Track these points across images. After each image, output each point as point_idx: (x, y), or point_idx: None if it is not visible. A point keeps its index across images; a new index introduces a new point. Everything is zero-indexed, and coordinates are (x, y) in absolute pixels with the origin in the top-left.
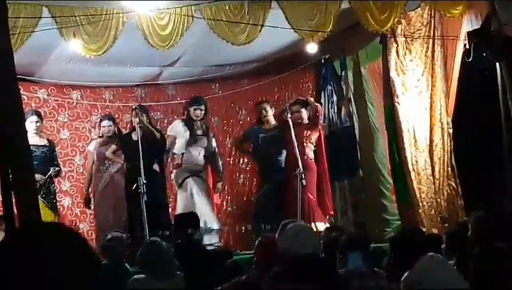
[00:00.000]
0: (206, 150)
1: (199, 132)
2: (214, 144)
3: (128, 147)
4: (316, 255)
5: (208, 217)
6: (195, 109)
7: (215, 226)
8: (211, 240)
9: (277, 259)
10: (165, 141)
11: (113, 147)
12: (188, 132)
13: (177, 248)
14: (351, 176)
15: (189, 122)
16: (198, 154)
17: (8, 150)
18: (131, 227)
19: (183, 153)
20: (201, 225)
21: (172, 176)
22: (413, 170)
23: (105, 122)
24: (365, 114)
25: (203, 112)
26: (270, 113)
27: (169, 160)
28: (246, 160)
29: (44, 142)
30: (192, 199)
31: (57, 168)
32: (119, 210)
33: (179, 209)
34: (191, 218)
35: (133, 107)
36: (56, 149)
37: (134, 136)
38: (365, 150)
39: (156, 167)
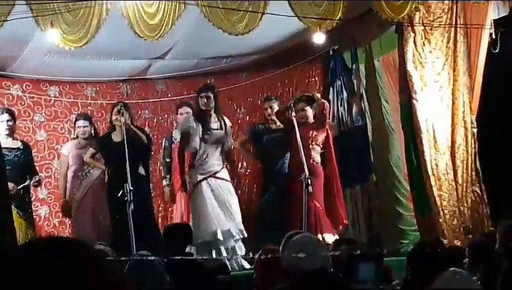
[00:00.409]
0: (224, 146)
1: (214, 126)
2: (230, 140)
3: (108, 150)
4: (324, 271)
5: (226, 227)
6: (201, 97)
7: (237, 235)
8: (233, 252)
9: (280, 275)
10: (151, 142)
11: (91, 150)
12: (199, 126)
13: (169, 263)
14: (363, 181)
15: (199, 115)
16: (214, 151)
17: None
18: (116, 239)
19: (196, 152)
20: (219, 236)
21: (188, 178)
22: (433, 174)
23: (80, 122)
24: (379, 112)
25: (211, 99)
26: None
27: (159, 163)
28: (245, 164)
29: (17, 144)
30: (207, 206)
31: (36, 178)
32: (101, 221)
33: (194, 219)
34: (183, 229)
35: (115, 104)
36: (32, 153)
37: (114, 138)
38: (379, 152)
39: (141, 171)
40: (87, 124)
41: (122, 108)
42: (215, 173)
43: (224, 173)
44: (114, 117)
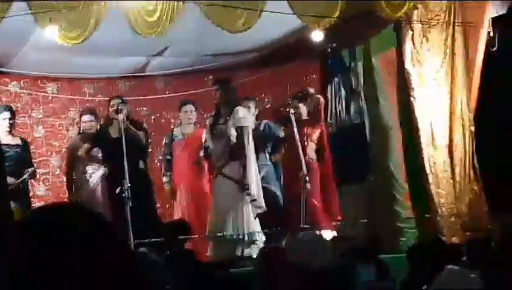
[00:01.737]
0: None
1: (221, 120)
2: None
3: (105, 146)
4: (330, 268)
5: (234, 226)
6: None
7: (245, 236)
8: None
9: (284, 272)
10: (148, 138)
11: (87, 145)
12: (208, 120)
13: (167, 260)
14: (361, 179)
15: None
16: (222, 146)
17: None
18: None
19: (207, 148)
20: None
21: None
22: (431, 172)
23: (86, 117)
24: (377, 110)
25: (218, 93)
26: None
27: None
28: None
29: (17, 141)
30: (218, 204)
31: (30, 169)
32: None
33: (212, 218)
34: (182, 226)
35: (111, 98)
36: (30, 149)
37: (112, 133)
38: (376, 150)
39: (142, 166)
40: (92, 119)
41: (120, 105)
42: (221, 168)
43: (231, 170)
44: (111, 111)
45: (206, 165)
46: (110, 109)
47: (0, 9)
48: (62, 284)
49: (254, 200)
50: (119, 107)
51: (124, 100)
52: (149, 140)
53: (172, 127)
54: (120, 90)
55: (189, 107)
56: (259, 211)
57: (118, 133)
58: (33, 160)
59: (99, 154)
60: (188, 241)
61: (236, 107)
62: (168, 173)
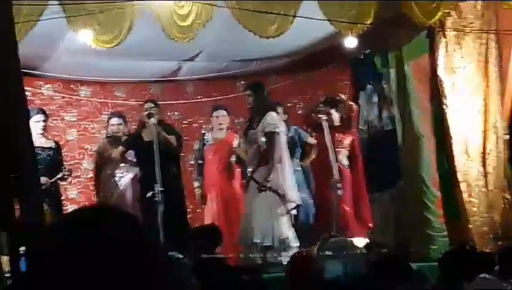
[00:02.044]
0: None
1: (253, 125)
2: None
3: (138, 149)
4: (360, 275)
5: (265, 232)
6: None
7: (277, 242)
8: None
9: (314, 278)
10: (181, 142)
11: (121, 148)
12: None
13: (197, 265)
14: (392, 186)
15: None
16: (254, 151)
17: (11, 153)
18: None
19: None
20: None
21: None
22: (464, 180)
23: (114, 120)
24: (409, 117)
25: (251, 98)
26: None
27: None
28: None
29: (50, 144)
30: (250, 209)
31: (65, 171)
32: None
33: (244, 223)
34: (211, 231)
35: (145, 101)
36: (62, 152)
37: (145, 137)
38: (408, 157)
39: (173, 170)
40: (121, 122)
41: (152, 109)
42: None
43: (260, 175)
44: (144, 114)
45: (237, 170)
46: (144, 113)
47: (34, 12)
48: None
49: (299, 205)
50: (151, 111)
51: (157, 104)
52: (181, 144)
53: (203, 132)
54: (152, 94)
55: (221, 112)
56: (294, 212)
57: (150, 137)
58: (65, 163)
59: (130, 158)
60: (218, 246)
61: (268, 112)
62: (199, 178)
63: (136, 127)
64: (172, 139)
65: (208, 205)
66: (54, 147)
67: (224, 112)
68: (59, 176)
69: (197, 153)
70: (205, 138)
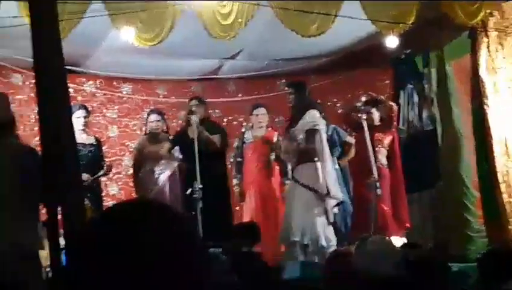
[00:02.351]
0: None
1: (294, 124)
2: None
3: (185, 146)
4: (401, 277)
5: (305, 230)
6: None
7: (316, 241)
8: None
9: (353, 278)
10: (226, 140)
11: (168, 145)
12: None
13: (236, 262)
14: (431, 186)
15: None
16: (294, 150)
17: (53, 148)
18: None
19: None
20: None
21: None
22: (504, 181)
23: (152, 117)
24: (449, 117)
25: (292, 96)
26: None
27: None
28: None
29: (91, 140)
30: (290, 208)
31: (106, 167)
32: None
33: (284, 221)
34: (250, 229)
35: (190, 98)
36: (103, 148)
37: (190, 134)
38: (447, 157)
39: (219, 169)
40: (159, 119)
41: (195, 106)
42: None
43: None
44: (188, 113)
45: (277, 168)
46: (188, 109)
47: (78, 10)
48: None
49: (341, 202)
50: (193, 109)
51: (203, 101)
52: (227, 143)
53: (243, 130)
54: (193, 92)
55: (261, 111)
56: (336, 210)
57: (193, 135)
58: (106, 159)
59: (176, 154)
60: (257, 244)
61: (309, 110)
62: (239, 176)
63: (181, 124)
64: (215, 138)
65: (246, 202)
66: (94, 143)
67: (264, 110)
68: (101, 173)
69: (237, 151)
70: (245, 136)
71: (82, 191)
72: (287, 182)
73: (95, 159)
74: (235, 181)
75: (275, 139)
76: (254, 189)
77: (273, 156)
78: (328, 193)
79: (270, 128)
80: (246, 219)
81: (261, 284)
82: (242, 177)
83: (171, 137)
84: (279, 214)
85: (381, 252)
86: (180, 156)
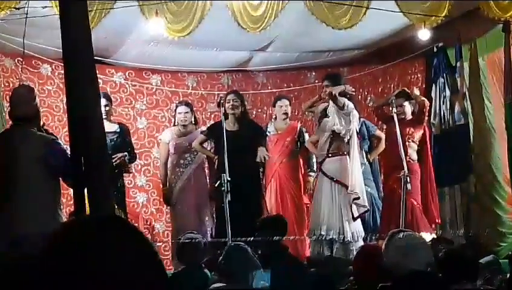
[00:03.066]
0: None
1: (326, 116)
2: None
3: (220, 139)
4: (431, 273)
5: (333, 225)
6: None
7: (343, 236)
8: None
9: (382, 273)
10: (263, 136)
11: (202, 137)
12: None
13: (263, 256)
14: (462, 180)
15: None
16: (324, 142)
17: (80, 138)
18: (217, 229)
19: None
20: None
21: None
22: None
23: (181, 109)
24: (481, 112)
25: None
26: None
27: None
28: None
29: (114, 127)
30: (318, 202)
31: (126, 154)
32: (201, 210)
33: (312, 215)
34: (277, 222)
35: (228, 92)
36: (130, 136)
37: (227, 126)
38: (479, 152)
39: (251, 163)
40: (188, 111)
41: (236, 101)
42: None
43: (327, 167)
44: (227, 106)
45: (300, 161)
46: (227, 105)
47: (107, 1)
48: None
49: (357, 198)
50: (235, 103)
51: (241, 96)
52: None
53: (266, 123)
54: (222, 84)
55: (284, 102)
56: (362, 210)
57: (235, 127)
58: (134, 148)
59: (208, 147)
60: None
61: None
62: (261, 169)
63: (212, 118)
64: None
65: (267, 195)
66: (117, 130)
67: (286, 102)
68: (119, 155)
69: None
70: (268, 128)
71: (108, 179)
72: (311, 174)
73: (119, 147)
74: None
75: (298, 130)
76: (275, 182)
77: (296, 148)
78: (352, 189)
79: (292, 121)
80: (266, 212)
81: (289, 277)
82: (264, 170)
83: (203, 129)
84: (301, 209)
85: (411, 248)
86: (212, 149)
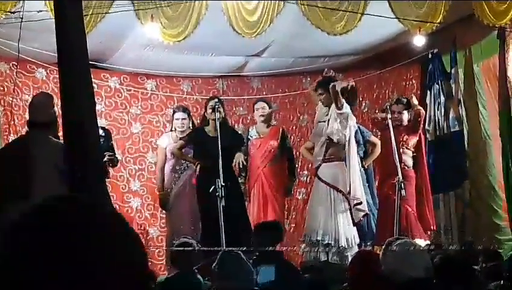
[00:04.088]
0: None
1: (324, 117)
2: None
3: (201, 144)
4: (429, 280)
5: (325, 230)
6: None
7: (338, 241)
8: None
9: (379, 280)
10: (242, 140)
11: (181, 142)
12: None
13: (257, 261)
14: (457, 187)
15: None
16: (320, 146)
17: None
18: (206, 234)
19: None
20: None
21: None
22: None
23: (178, 115)
24: (476, 118)
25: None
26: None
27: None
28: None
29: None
30: (313, 207)
31: (108, 155)
32: (196, 216)
33: (307, 220)
34: (272, 227)
35: (209, 98)
36: (112, 139)
37: (209, 132)
38: (474, 158)
39: (241, 166)
40: (185, 117)
41: (218, 104)
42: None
43: (323, 172)
44: (209, 112)
45: (285, 166)
46: (208, 110)
47: (103, 5)
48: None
49: (359, 203)
50: (216, 106)
51: (222, 101)
52: (243, 140)
53: (248, 127)
54: (217, 89)
55: (261, 105)
56: (361, 214)
57: (215, 133)
58: (116, 150)
59: (190, 154)
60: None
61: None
62: (243, 174)
63: (199, 122)
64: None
65: (250, 199)
66: (102, 134)
67: (263, 104)
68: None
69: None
70: (250, 132)
71: (104, 180)
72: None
73: (103, 149)
74: (240, 180)
75: (280, 134)
76: (258, 187)
77: (278, 153)
78: (349, 194)
79: (274, 126)
80: (253, 217)
81: (284, 284)
82: (246, 176)
83: (184, 135)
84: (281, 215)
85: (409, 254)
86: (191, 154)
